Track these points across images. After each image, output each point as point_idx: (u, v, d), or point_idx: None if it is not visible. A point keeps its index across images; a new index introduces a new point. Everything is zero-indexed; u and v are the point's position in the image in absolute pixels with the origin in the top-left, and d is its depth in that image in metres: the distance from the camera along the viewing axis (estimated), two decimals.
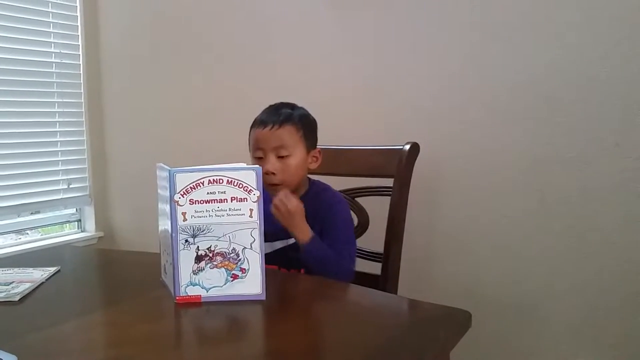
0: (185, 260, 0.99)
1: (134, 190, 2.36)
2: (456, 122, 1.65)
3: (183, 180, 0.98)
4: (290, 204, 1.20)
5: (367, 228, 1.52)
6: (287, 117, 1.30)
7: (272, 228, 1.31)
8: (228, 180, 1.00)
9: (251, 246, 1.02)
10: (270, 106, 1.36)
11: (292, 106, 1.35)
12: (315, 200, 1.33)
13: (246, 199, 1.01)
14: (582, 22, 1.44)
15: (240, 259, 1.02)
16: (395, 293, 1.43)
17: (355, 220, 1.51)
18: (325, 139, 1.44)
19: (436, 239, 1.72)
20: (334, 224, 1.30)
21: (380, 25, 1.77)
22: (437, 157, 1.66)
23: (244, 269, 1.02)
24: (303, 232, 1.22)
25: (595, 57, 1.43)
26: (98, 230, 2.41)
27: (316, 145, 1.37)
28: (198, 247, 1.00)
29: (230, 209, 1.00)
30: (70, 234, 2.39)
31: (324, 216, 1.30)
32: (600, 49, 1.42)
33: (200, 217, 0.99)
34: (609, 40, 1.41)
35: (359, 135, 1.62)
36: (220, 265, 1.01)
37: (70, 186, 2.34)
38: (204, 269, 1.00)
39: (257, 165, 1.02)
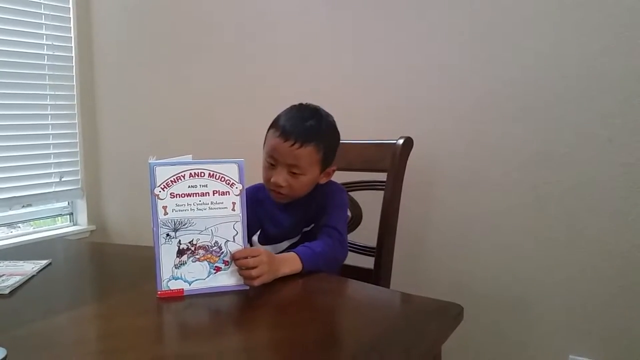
0: (167, 254, 0.98)
1: (127, 184, 2.35)
2: (451, 118, 1.64)
3: (163, 173, 0.96)
4: (257, 259, 1.01)
5: (360, 222, 1.51)
6: (312, 134, 1.19)
7: (278, 230, 1.31)
8: (210, 174, 0.98)
9: (234, 239, 1.01)
10: (297, 109, 1.25)
11: (319, 115, 1.24)
12: (318, 191, 1.29)
13: (228, 192, 0.99)
14: (578, 18, 1.43)
15: (223, 252, 1.01)
16: (388, 287, 1.42)
17: (349, 214, 1.49)
18: None
19: (430, 233, 1.71)
20: (332, 205, 1.26)
21: (375, 20, 1.75)
22: (432, 152, 1.66)
23: (227, 262, 1.01)
24: (292, 265, 1.09)
25: (590, 53, 1.42)
26: (90, 224, 2.40)
27: (333, 161, 1.28)
28: (180, 240, 0.98)
29: (212, 203, 0.99)
30: (62, 227, 2.37)
31: (323, 199, 1.27)
32: (595, 45, 1.41)
33: (181, 210, 0.98)
34: (604, 37, 1.40)
35: (353, 130, 1.59)
36: (202, 258, 1.00)
37: (62, 179, 2.32)
38: (186, 263, 0.99)
39: (240, 159, 1.00)
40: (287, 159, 1.19)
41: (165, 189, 0.96)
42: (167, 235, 0.97)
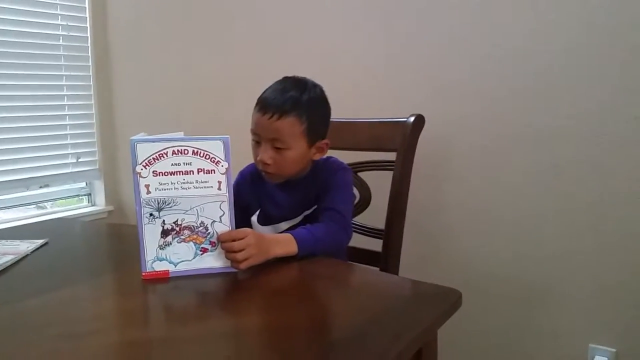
0: (151, 234, 0.95)
1: None
2: (465, 94, 1.57)
3: (144, 150, 0.93)
4: (243, 242, 0.97)
5: (369, 204, 1.46)
6: (291, 105, 1.13)
7: (277, 210, 1.26)
8: (193, 151, 0.94)
9: (221, 219, 0.97)
10: (280, 82, 1.20)
11: (304, 87, 1.18)
12: (318, 170, 1.24)
13: (214, 170, 0.95)
14: None
15: (209, 233, 0.97)
16: (397, 270, 1.37)
17: (357, 196, 1.45)
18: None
19: (443, 216, 1.65)
20: (334, 185, 1.20)
21: None
22: (446, 132, 1.59)
23: (214, 243, 0.98)
24: (285, 246, 1.04)
25: (619, 27, 1.33)
26: (108, 204, 2.41)
27: (325, 135, 1.22)
28: (164, 220, 0.95)
29: (197, 181, 0.95)
30: (80, 208, 2.39)
31: (325, 179, 1.21)
32: (625, 17, 1.32)
33: (165, 189, 0.94)
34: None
35: (364, 109, 1.55)
36: (188, 239, 0.97)
37: (79, 160, 2.33)
38: (171, 244, 0.96)
39: (225, 135, 0.96)
40: (268, 133, 1.14)
41: (147, 166, 0.93)
42: (151, 215, 0.94)
